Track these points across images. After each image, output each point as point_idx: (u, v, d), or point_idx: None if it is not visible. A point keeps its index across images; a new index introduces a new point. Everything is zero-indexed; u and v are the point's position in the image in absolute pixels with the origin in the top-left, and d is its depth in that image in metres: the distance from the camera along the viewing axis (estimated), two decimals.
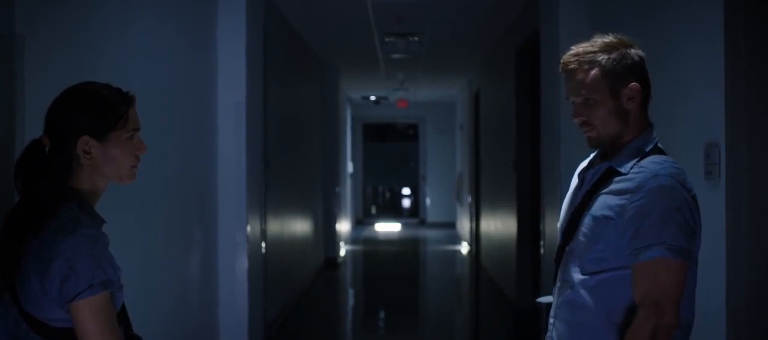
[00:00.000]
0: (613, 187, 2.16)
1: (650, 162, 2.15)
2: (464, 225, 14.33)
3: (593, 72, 2.18)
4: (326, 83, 11.63)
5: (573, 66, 2.21)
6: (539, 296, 2.53)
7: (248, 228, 5.37)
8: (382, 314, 8.86)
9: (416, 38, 9.08)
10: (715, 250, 2.95)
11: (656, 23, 3.78)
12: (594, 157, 2.34)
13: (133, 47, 3.65)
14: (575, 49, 2.23)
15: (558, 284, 2.29)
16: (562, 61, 2.24)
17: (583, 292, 2.19)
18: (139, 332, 2.15)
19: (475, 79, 12.21)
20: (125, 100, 2.07)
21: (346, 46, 10.12)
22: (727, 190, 2.94)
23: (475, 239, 12.21)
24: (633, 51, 2.20)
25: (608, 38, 2.22)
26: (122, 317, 2.04)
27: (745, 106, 2.89)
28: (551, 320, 2.30)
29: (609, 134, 2.20)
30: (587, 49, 2.21)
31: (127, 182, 2.09)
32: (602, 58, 2.18)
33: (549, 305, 2.39)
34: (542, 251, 5.76)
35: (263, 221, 6.22)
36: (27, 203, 1.97)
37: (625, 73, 2.18)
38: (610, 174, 2.20)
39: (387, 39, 9.12)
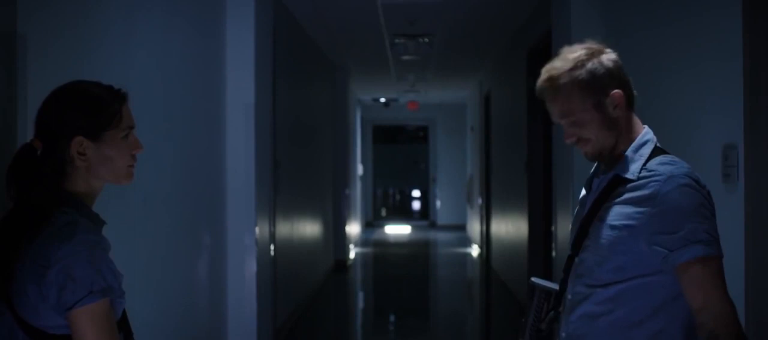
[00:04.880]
0: (627, 195, 2.12)
1: (659, 164, 2.11)
2: (475, 227, 14.28)
3: (573, 92, 2.13)
4: (336, 85, 11.60)
5: (550, 94, 2.17)
6: (536, 277, 2.47)
7: (257, 231, 5.33)
8: (392, 317, 8.81)
9: (426, 40, 9.04)
10: (733, 254, 2.88)
11: (672, 22, 3.71)
12: (598, 165, 2.29)
13: (139, 48, 3.61)
14: (547, 72, 2.18)
15: (569, 296, 2.23)
16: (537, 87, 2.19)
17: (599, 303, 2.14)
18: (147, 336, 2.10)
19: (486, 81, 12.15)
20: (117, 97, 2.01)
21: (356, 47, 10.09)
22: (745, 193, 2.88)
23: (486, 241, 12.16)
24: (605, 57, 2.15)
25: (577, 52, 2.16)
26: (123, 325, 1.99)
27: (765, 107, 2.82)
28: (563, 336, 2.24)
29: (605, 146, 2.17)
30: (560, 69, 2.15)
31: (124, 183, 2.03)
32: (577, 74, 2.12)
33: (542, 288, 2.36)
34: (554, 253, 5.70)
35: (272, 223, 6.18)
36: (21, 209, 1.91)
37: (604, 83, 2.13)
38: (618, 182, 2.15)
39: (397, 40, 9.08)
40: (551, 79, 2.16)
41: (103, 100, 1.98)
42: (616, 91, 2.13)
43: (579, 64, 2.13)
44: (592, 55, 2.15)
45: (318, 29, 8.72)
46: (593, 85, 2.12)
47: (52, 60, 2.63)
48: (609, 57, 2.16)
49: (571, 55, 2.15)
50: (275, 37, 6.28)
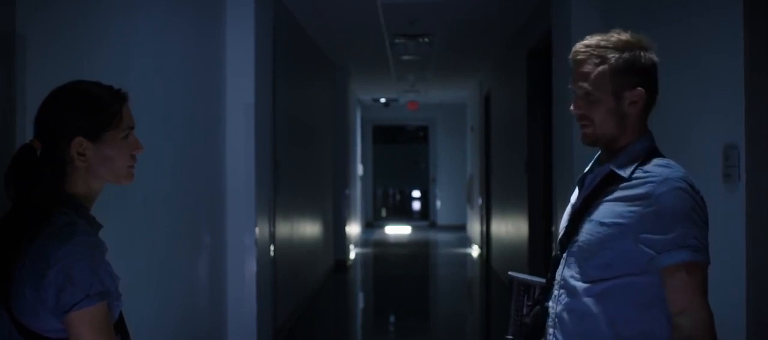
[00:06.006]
0: (619, 193, 2.12)
1: (656, 166, 2.11)
2: (475, 228, 14.27)
3: (601, 68, 2.14)
4: (336, 85, 11.59)
5: (582, 57, 2.18)
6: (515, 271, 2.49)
7: (257, 231, 5.33)
8: (392, 318, 8.80)
9: (426, 40, 9.03)
10: (733, 254, 2.89)
11: (673, 22, 3.71)
12: (593, 163, 2.30)
13: (139, 48, 3.61)
14: (589, 40, 2.19)
15: (556, 291, 2.23)
16: (573, 49, 2.21)
17: (586, 300, 2.14)
18: (147, 336, 2.09)
19: (486, 81, 12.15)
20: (118, 97, 2.00)
21: (356, 47, 10.09)
22: (746, 193, 2.87)
23: (486, 241, 12.15)
24: (646, 54, 2.16)
25: (625, 36, 2.17)
26: (120, 327, 1.98)
27: (765, 107, 2.82)
28: (551, 330, 2.24)
29: (605, 134, 2.17)
30: (600, 42, 2.17)
31: (124, 183, 2.03)
32: (613, 55, 2.14)
33: (520, 281, 2.37)
34: (554, 253, 5.69)
35: (272, 223, 6.17)
36: (20, 209, 1.90)
37: (632, 76, 2.13)
38: (611, 180, 2.15)
39: (397, 40, 9.07)
40: (589, 45, 2.17)
41: (103, 101, 1.97)
42: (640, 89, 2.14)
43: (620, 47, 2.14)
44: (637, 45, 2.16)
45: (318, 29, 8.71)
46: (623, 72, 2.13)
47: (52, 60, 2.62)
48: (650, 56, 2.17)
49: (618, 36, 2.17)
50: (275, 37, 6.28)
